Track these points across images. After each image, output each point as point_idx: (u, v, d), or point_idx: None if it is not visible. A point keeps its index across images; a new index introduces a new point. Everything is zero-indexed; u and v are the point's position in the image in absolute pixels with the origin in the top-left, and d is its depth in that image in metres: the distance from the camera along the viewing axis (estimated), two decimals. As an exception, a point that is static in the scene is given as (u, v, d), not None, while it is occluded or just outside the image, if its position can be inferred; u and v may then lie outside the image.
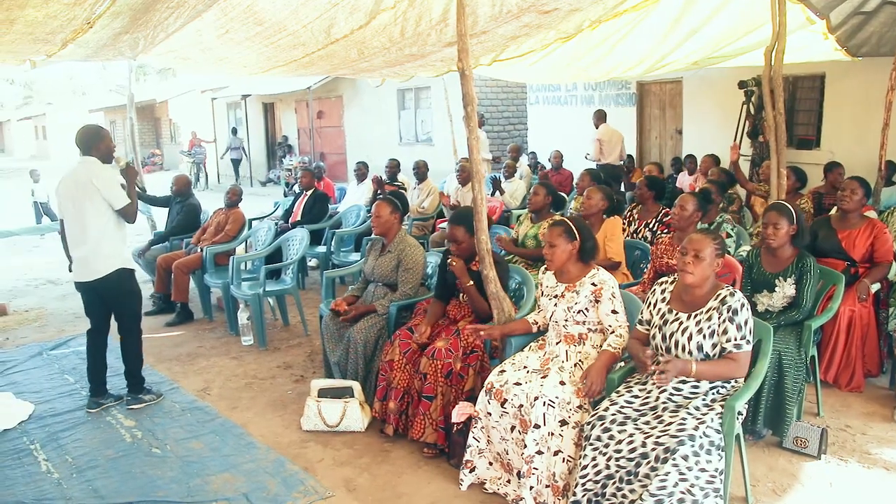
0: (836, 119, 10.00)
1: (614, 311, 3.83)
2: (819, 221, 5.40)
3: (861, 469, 3.93)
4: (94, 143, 4.75)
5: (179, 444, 4.44)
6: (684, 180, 9.72)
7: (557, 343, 3.94)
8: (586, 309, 3.86)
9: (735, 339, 3.32)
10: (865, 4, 6.12)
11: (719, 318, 3.35)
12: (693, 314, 3.44)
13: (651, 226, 6.11)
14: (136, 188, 5.01)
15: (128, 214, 4.81)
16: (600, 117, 11.33)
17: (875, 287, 4.99)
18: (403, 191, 9.19)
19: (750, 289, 4.57)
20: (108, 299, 4.91)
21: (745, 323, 3.34)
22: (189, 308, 7.16)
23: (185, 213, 7.91)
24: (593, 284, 3.86)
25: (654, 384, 3.42)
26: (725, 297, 3.38)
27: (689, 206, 5.02)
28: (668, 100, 12.71)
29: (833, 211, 5.73)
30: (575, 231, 3.91)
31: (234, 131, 22.70)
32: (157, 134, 33.06)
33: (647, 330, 3.64)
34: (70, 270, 4.95)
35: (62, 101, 44.24)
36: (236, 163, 22.36)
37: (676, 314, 3.50)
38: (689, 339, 3.39)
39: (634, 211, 6.36)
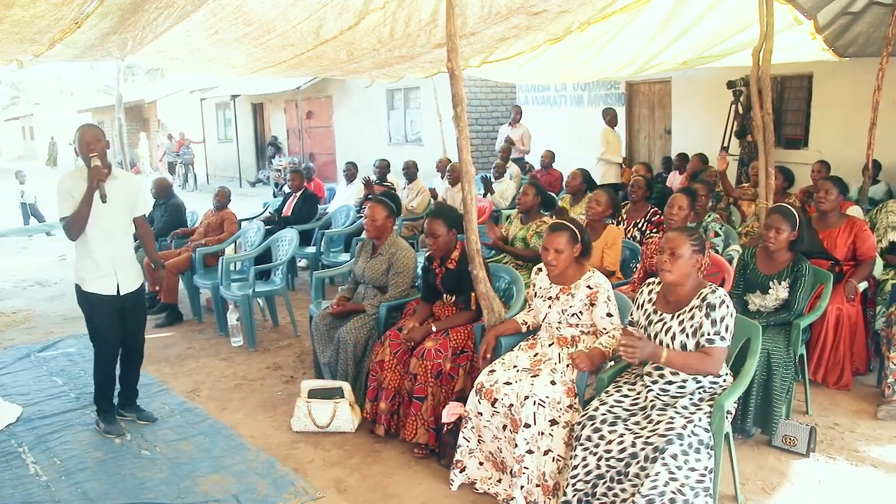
0: (824, 119, 10.06)
1: (609, 315, 3.83)
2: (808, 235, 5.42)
3: (849, 466, 3.96)
4: (74, 144, 4.40)
5: (169, 445, 4.42)
6: (675, 179, 9.75)
7: (550, 345, 3.94)
8: (580, 312, 3.86)
9: (708, 334, 3.31)
10: (853, 5, 6.16)
11: (700, 314, 3.36)
12: (676, 314, 3.45)
13: (640, 225, 6.13)
14: (101, 194, 4.25)
15: (66, 229, 4.30)
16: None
17: (863, 286, 5.02)
18: (393, 191, 9.18)
19: (742, 288, 4.59)
20: None
21: (722, 319, 3.33)
22: (178, 309, 7.15)
23: (170, 214, 7.91)
24: (588, 287, 3.86)
25: (635, 374, 3.46)
26: (706, 294, 3.39)
27: (685, 204, 5.05)
28: (657, 100, 12.76)
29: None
30: (578, 234, 3.90)
31: (170, 137, 24.82)
32: (146, 135, 32.87)
33: (636, 331, 3.64)
34: None
35: (50, 102, 43.99)
36: (172, 166, 23.92)
37: (661, 315, 3.50)
38: (673, 338, 3.40)
39: (623, 211, 6.38)
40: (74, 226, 4.28)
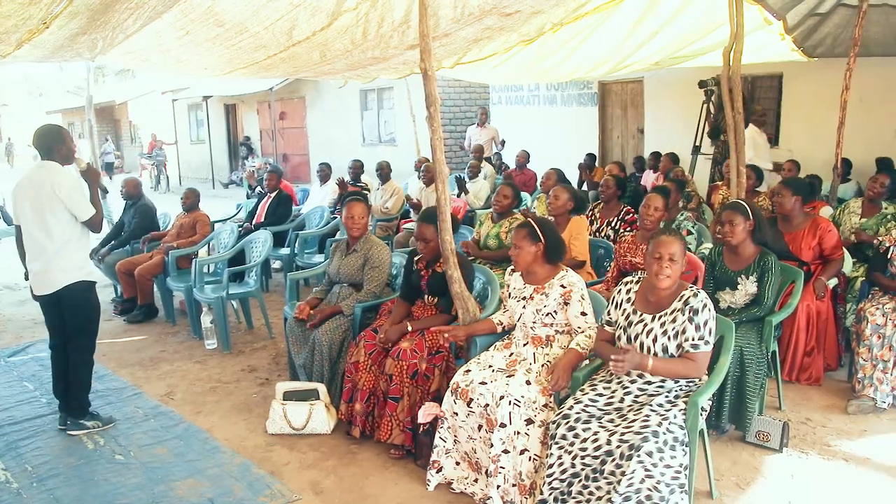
0: (794, 118, 10.18)
1: (583, 313, 3.84)
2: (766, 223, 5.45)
3: (821, 461, 4.01)
4: (55, 145, 4.40)
5: (143, 450, 4.38)
6: (649, 178, 9.82)
7: (525, 345, 3.95)
8: (555, 311, 3.87)
9: (693, 339, 3.35)
10: (821, 6, 6.25)
11: (683, 318, 3.39)
12: (657, 315, 3.47)
13: (613, 224, 6.17)
14: (100, 190, 4.69)
15: (94, 225, 4.53)
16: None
17: (833, 282, 5.08)
18: (367, 192, 9.15)
19: (713, 286, 4.63)
20: (65, 312, 4.59)
21: (705, 324, 3.36)
22: (154, 305, 7.16)
23: (140, 216, 7.78)
24: (562, 286, 3.87)
25: (610, 373, 3.48)
26: (688, 298, 3.41)
27: (661, 204, 5.10)
28: (630, 99, 12.84)
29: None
30: (539, 233, 3.92)
31: (106, 139, 26.64)
32: (117, 136, 32.53)
33: (613, 330, 3.66)
34: (26, 279, 4.66)
35: (18, 102, 43.34)
36: (109, 166, 24.22)
37: (641, 315, 3.52)
38: (654, 340, 3.42)
39: (596, 210, 6.41)
40: (101, 220, 4.59)
